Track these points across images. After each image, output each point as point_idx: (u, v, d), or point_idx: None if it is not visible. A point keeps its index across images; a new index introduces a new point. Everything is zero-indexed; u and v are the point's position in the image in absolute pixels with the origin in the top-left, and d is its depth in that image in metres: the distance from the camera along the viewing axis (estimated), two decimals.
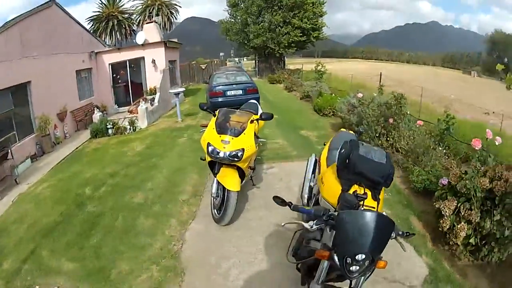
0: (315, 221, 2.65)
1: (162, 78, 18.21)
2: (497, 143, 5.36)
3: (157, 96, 16.71)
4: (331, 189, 3.26)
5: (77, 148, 12.01)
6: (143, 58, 19.21)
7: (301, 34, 33.53)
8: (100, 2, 34.96)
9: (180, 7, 40.53)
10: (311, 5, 33.33)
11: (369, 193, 3.16)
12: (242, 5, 34.94)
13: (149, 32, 19.59)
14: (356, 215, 2.58)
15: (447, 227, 4.75)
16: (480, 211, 4.57)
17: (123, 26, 35.25)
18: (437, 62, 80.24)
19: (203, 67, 34.04)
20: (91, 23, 34.66)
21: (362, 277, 2.69)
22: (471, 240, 4.63)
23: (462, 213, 4.65)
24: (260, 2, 32.97)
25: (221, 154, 5.17)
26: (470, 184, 4.60)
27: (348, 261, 2.48)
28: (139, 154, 9.71)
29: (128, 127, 13.50)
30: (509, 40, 72.67)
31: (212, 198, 5.58)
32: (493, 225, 4.42)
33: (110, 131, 13.34)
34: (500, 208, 4.44)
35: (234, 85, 14.76)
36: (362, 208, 2.87)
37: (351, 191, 3.11)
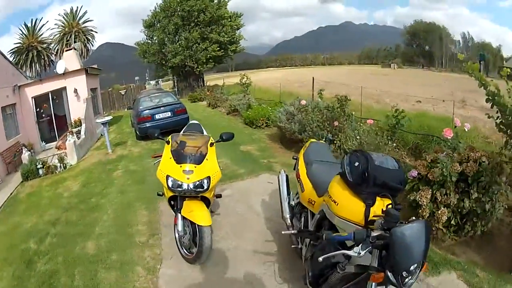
0: (360, 246, 2.49)
1: (86, 108, 17.17)
2: (466, 129, 5.62)
3: (82, 128, 15.59)
4: (351, 207, 2.94)
5: (11, 194, 10.71)
6: (65, 88, 18.19)
7: (218, 49, 33.46)
8: (21, 32, 33.42)
9: (96, 32, 39.67)
10: (228, 19, 33.60)
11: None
12: (158, 25, 34.75)
13: (69, 60, 18.80)
14: (412, 229, 2.47)
15: (427, 215, 4.86)
16: (455, 194, 4.85)
17: (42, 56, 33.91)
18: (354, 60, 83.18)
19: (123, 93, 32.87)
20: (13, 55, 33.12)
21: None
22: (452, 222, 4.92)
23: (439, 199, 4.86)
24: (177, 20, 32.90)
25: (185, 186, 4.51)
26: (446, 171, 4.80)
27: (404, 275, 2.42)
28: (76, 194, 8.75)
29: (58, 164, 12.36)
30: (430, 29, 77.12)
31: (178, 236, 4.92)
32: (471, 203, 4.76)
33: (40, 171, 12.07)
34: (475, 187, 4.79)
35: (161, 108, 14.34)
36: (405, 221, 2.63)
37: (377, 204, 2.85)
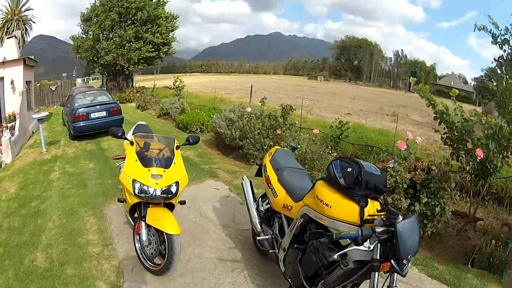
0: (369, 241, 2.66)
1: (21, 102, 15.91)
2: (418, 142, 6.00)
3: (17, 124, 14.34)
4: (346, 209, 3.05)
5: None
6: (2, 78, 16.61)
7: (152, 49, 32.51)
8: None
9: (34, 22, 37.18)
10: (164, 19, 32.90)
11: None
12: (95, 19, 32.90)
13: (9, 49, 17.56)
14: (412, 222, 2.70)
15: None
16: (406, 199, 5.26)
17: None
18: (279, 71, 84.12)
19: (53, 89, 30.99)
20: None
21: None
22: None
23: (391, 203, 5.13)
24: (114, 16, 31.59)
25: (151, 192, 4.07)
26: (399, 179, 5.19)
27: (404, 263, 2.62)
28: (14, 198, 7.82)
29: None
30: (361, 44, 79.41)
31: (139, 246, 4.51)
32: (421, 207, 5.20)
33: None
34: (424, 192, 5.23)
35: (97, 106, 13.66)
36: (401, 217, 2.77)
37: (370, 205, 3.02)
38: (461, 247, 5.74)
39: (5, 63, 16.81)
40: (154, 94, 24.95)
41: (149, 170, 4.18)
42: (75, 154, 11.34)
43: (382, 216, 2.83)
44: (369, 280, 2.77)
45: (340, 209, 3.07)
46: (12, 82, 16.61)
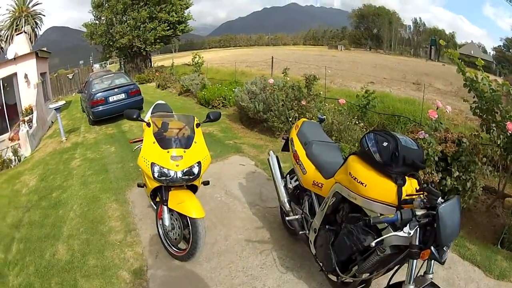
0: (408, 226, 2.42)
1: (37, 94, 16.07)
2: (448, 112, 5.61)
3: (34, 116, 14.45)
4: (382, 188, 2.75)
5: None
6: (15, 74, 16.77)
7: (168, 28, 32.30)
8: None
9: (44, 15, 37.43)
10: None
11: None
12: (106, 4, 32.80)
13: (20, 45, 17.74)
14: (454, 204, 2.43)
15: None
16: (437, 172, 4.90)
17: None
18: (299, 41, 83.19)
19: (70, 77, 31.19)
20: None
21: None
22: None
23: (423, 178, 4.69)
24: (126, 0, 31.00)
25: (172, 174, 3.84)
26: (431, 151, 4.84)
27: (444, 250, 2.42)
28: (35, 190, 7.76)
29: (13, 157, 11.32)
30: (379, 12, 78.16)
31: (163, 232, 4.33)
32: (453, 181, 4.87)
33: None
34: (456, 165, 4.89)
35: (115, 89, 13.55)
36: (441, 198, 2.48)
37: (408, 184, 2.74)
38: (491, 224, 5.37)
39: (17, 59, 16.94)
40: (174, 72, 24.77)
41: (168, 152, 3.94)
42: (95, 140, 11.29)
43: (422, 197, 2.53)
44: (404, 265, 2.61)
45: (376, 188, 2.79)
46: (26, 76, 16.70)
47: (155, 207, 4.48)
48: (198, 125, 4.39)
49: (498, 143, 4.99)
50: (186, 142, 4.10)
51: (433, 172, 4.88)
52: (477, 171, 5.02)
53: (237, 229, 4.82)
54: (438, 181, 4.85)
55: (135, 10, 32.31)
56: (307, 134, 4.12)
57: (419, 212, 2.42)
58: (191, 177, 3.95)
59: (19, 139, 12.24)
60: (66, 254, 4.81)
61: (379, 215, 2.66)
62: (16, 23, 33.81)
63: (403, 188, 2.67)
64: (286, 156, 5.32)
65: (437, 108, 5.31)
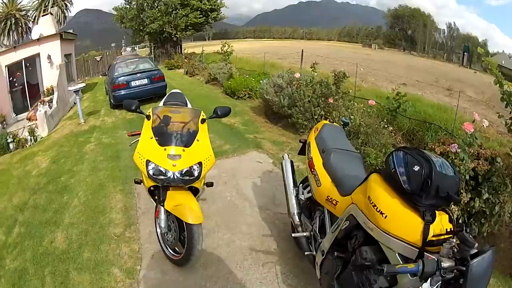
0: (430, 281, 2.00)
1: (59, 75, 16.00)
2: (485, 126, 5.05)
3: (55, 96, 14.41)
4: (406, 223, 2.27)
5: None
6: (38, 54, 16.99)
7: (200, 16, 32.23)
8: (1, 1, 31.43)
9: None
10: None
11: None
12: None
13: (45, 26, 17.82)
14: (488, 259, 1.97)
15: None
16: (466, 192, 4.53)
17: (20, 24, 31.88)
18: (333, 37, 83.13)
19: (98, 59, 31.43)
20: None
21: None
22: (460, 220, 4.62)
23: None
24: None
25: (170, 175, 3.52)
26: (463, 169, 4.44)
27: None
28: (45, 172, 7.66)
29: (29, 137, 11.29)
30: (414, 14, 77.43)
31: (160, 232, 4.06)
32: (481, 203, 4.50)
33: (11, 145, 11.08)
34: (486, 186, 4.51)
35: (138, 74, 13.45)
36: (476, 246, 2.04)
37: (437, 221, 2.24)
38: None
39: (40, 40, 17.07)
40: (203, 60, 24.57)
41: (165, 149, 3.64)
42: (113, 124, 11.22)
43: (453, 245, 2.08)
44: None
45: (398, 222, 2.34)
46: (49, 57, 16.86)
47: (155, 203, 4.17)
48: (203, 120, 4.04)
49: None
50: (188, 140, 3.78)
51: (462, 191, 4.48)
52: (507, 194, 4.57)
53: (242, 235, 4.52)
54: (466, 202, 4.48)
55: None
56: (326, 139, 3.69)
57: (446, 264, 1.99)
58: (190, 178, 3.64)
59: (36, 119, 12.21)
60: (63, 243, 4.71)
61: (396, 254, 2.28)
62: (45, 3, 34.10)
63: (431, 226, 2.21)
64: (303, 159, 4.97)
65: (473, 121, 4.84)
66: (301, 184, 4.10)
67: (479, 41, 77.15)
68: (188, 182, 3.65)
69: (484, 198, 4.48)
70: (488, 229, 4.67)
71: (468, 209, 4.56)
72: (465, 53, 59.61)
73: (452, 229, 2.19)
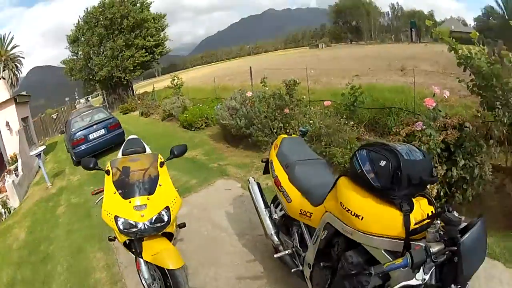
0: (422, 270, 1.92)
1: (20, 141, 15.74)
2: (446, 96, 5.03)
3: (19, 164, 14.01)
4: (385, 219, 2.24)
5: None
6: None
7: (145, 54, 32.19)
8: None
9: (23, 58, 37.19)
10: (152, 21, 32.62)
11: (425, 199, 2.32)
12: (82, 38, 32.76)
13: None
14: (478, 232, 1.97)
15: None
16: (441, 164, 4.68)
17: None
18: (280, 46, 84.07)
19: (54, 117, 30.90)
20: None
21: None
22: (441, 193, 4.72)
23: None
24: (101, 30, 31.34)
25: (140, 226, 3.43)
26: (432, 144, 4.56)
27: (468, 284, 2.04)
28: (24, 244, 7.46)
29: (2, 210, 10.97)
30: (355, 5, 78.63)
31: (146, 285, 3.84)
32: (459, 171, 4.62)
33: None
34: (460, 153, 4.64)
35: (94, 126, 13.29)
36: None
37: (416, 208, 2.21)
38: (503, 206, 4.95)
39: None
40: (155, 98, 24.57)
41: (130, 202, 3.57)
42: (79, 182, 11.01)
43: (438, 227, 2.04)
44: None
45: (376, 221, 2.30)
46: (7, 124, 16.53)
47: (134, 256, 4.12)
48: (162, 164, 4.02)
49: (504, 121, 4.51)
50: (150, 187, 3.73)
51: (436, 165, 4.59)
52: (484, 154, 4.72)
53: (227, 266, 4.48)
54: (443, 174, 4.58)
55: (110, 40, 32.17)
56: (288, 154, 3.68)
57: (435, 249, 1.94)
58: (161, 225, 3.57)
59: (6, 191, 11.87)
60: None
61: (382, 251, 2.25)
62: None
63: (410, 215, 2.18)
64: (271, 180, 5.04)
65: (434, 95, 4.88)
66: (272, 204, 4.07)
67: (425, 14, 78.91)
68: (160, 229, 3.59)
69: (461, 165, 4.59)
70: (472, 192, 4.78)
71: (447, 180, 4.65)
72: (413, 29, 60.81)
73: (434, 212, 2.19)
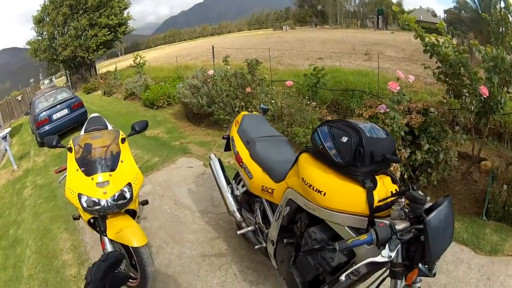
0: (388, 247, 1.82)
1: None
2: (411, 81, 5.02)
3: None
4: (347, 195, 2.17)
5: None
6: None
7: (109, 33, 31.21)
8: None
9: None
10: (116, 0, 31.12)
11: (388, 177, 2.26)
12: (47, 18, 31.22)
13: None
14: (444, 211, 1.88)
15: None
16: (405, 147, 4.68)
17: None
18: (243, 27, 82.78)
19: (19, 99, 29.73)
20: None
21: None
22: (405, 176, 4.76)
23: None
24: (65, 10, 29.78)
25: (103, 203, 3.34)
26: (396, 127, 4.52)
27: (436, 264, 1.95)
28: None
29: None
30: None
31: None
32: (423, 154, 4.64)
33: None
34: (425, 138, 4.67)
35: (58, 106, 12.92)
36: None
37: (379, 186, 2.15)
38: (470, 193, 5.00)
39: None
40: (118, 77, 23.95)
41: (92, 179, 3.46)
42: (44, 163, 10.63)
43: (403, 205, 1.96)
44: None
45: (338, 197, 2.22)
46: None
47: (99, 234, 4.01)
48: (123, 140, 3.92)
49: (472, 108, 4.53)
50: (112, 163, 3.64)
51: (400, 148, 4.59)
52: (449, 140, 4.77)
53: (191, 244, 4.40)
54: (407, 157, 4.57)
55: (75, 19, 30.81)
56: (249, 130, 3.60)
57: (400, 226, 1.88)
58: (124, 202, 3.48)
59: None
60: None
61: (346, 228, 2.18)
62: None
63: (374, 192, 2.12)
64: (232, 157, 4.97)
65: (398, 79, 4.84)
66: (234, 180, 4.00)
67: (393, 2, 79.26)
68: (123, 206, 3.50)
69: (425, 149, 4.62)
70: (437, 177, 4.84)
71: (411, 163, 4.67)
72: (380, 17, 60.86)
73: (398, 190, 2.14)
